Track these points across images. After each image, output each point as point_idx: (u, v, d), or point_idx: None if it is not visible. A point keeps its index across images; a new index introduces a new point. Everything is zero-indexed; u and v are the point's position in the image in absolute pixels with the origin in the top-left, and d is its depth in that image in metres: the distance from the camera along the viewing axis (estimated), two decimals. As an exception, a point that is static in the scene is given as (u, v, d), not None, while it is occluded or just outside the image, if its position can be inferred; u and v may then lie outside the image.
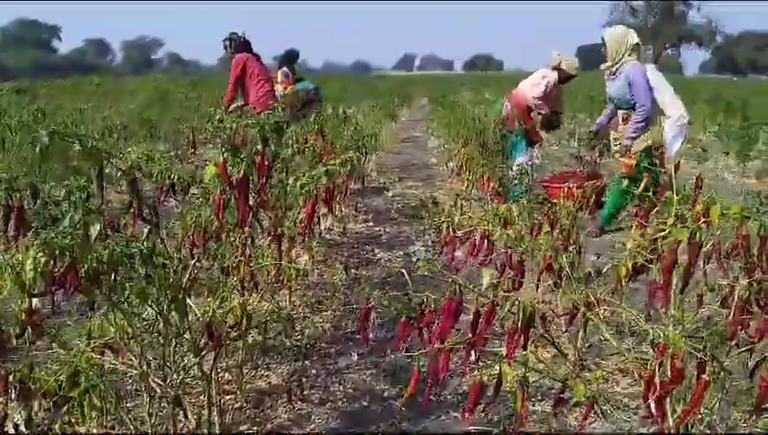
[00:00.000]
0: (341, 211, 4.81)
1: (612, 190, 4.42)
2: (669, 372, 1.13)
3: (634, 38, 4.16)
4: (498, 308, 1.47)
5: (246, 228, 1.92)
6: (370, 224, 5.16)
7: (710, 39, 45.58)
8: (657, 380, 1.15)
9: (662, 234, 1.35)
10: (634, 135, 4.15)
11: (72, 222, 1.31)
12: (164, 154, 6.84)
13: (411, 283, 2.33)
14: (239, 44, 5.11)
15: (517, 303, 1.37)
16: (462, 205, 5.23)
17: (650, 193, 2.08)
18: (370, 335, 2.07)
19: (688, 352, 1.12)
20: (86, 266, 1.33)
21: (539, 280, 2.01)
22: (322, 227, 4.28)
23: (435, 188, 6.79)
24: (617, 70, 4.21)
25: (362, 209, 5.58)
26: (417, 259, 4.14)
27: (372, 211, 5.65)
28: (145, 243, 1.54)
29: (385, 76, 36.89)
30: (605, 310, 1.97)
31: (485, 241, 1.95)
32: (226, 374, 2.29)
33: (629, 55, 4.15)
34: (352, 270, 3.87)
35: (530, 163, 5.16)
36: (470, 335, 1.45)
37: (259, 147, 1.68)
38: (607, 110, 4.52)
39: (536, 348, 2.06)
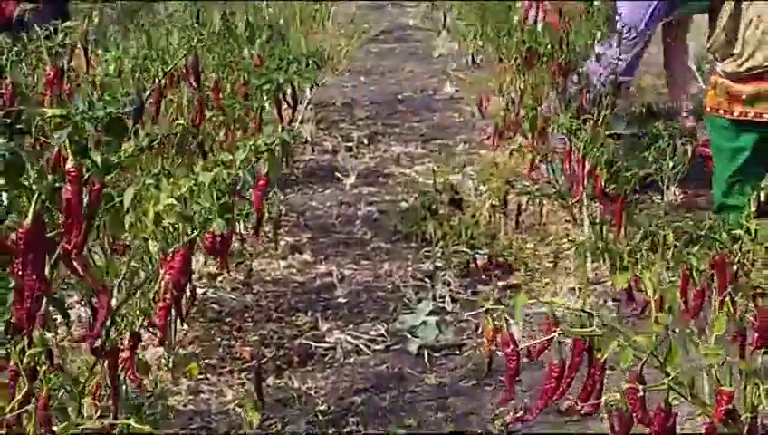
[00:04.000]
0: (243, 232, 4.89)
1: None
2: None
3: None
4: None
5: (36, 332, 1.99)
6: (306, 258, 5.32)
7: None
8: None
9: None
10: None
11: None
12: None
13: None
14: None
15: None
16: (523, 209, 5.42)
17: None
18: None
19: None
20: None
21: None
22: (196, 276, 4.36)
23: (455, 157, 6.93)
24: None
25: (288, 222, 5.75)
26: (422, 348, 4.25)
27: (311, 224, 5.83)
28: None
29: None
30: None
31: (590, 359, 2.01)
32: None
33: None
34: (271, 379, 3.99)
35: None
36: None
37: (69, 162, 1.74)
38: None
39: None
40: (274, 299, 4.80)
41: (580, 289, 4.65)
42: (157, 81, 3.02)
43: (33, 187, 1.82)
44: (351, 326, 4.52)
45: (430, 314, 4.53)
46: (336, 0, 9.84)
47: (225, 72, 4.06)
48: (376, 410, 3.82)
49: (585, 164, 4.27)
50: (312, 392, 3.94)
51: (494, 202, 5.48)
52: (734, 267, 2.72)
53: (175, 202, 2.39)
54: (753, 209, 3.01)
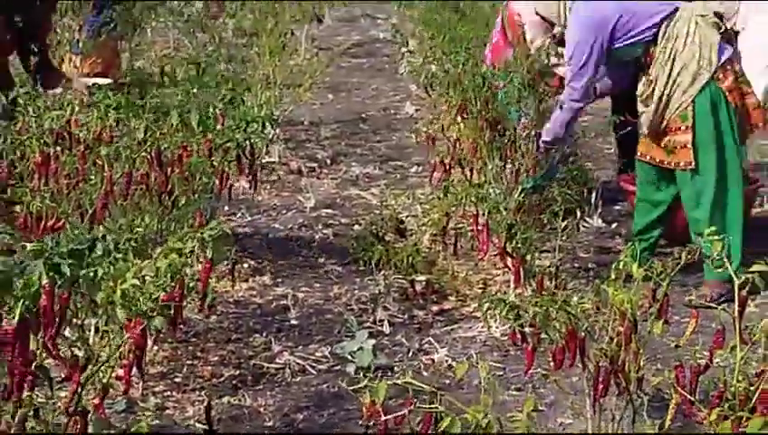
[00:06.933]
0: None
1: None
2: None
3: None
4: None
5: (26, 394, 2.54)
6: (266, 280, 5.79)
7: None
8: None
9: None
10: None
11: None
12: None
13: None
14: None
15: None
16: (460, 236, 5.87)
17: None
18: None
19: None
20: None
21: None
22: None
23: (407, 179, 7.41)
24: None
25: (251, 243, 6.23)
26: (358, 371, 4.65)
27: (273, 246, 6.30)
28: None
29: None
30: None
31: (435, 427, 2.58)
32: None
33: None
34: (227, 398, 4.44)
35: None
36: None
37: (44, 280, 2.29)
38: None
39: None
40: (235, 320, 5.20)
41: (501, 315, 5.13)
42: (128, 166, 3.60)
43: (19, 293, 2.38)
44: (300, 348, 4.92)
45: (369, 337, 4.88)
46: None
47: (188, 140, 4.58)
48: (314, 425, 4.25)
49: (488, 226, 4.76)
50: (262, 410, 4.35)
51: (434, 232, 5.86)
52: (583, 335, 3.32)
53: (138, 283, 2.95)
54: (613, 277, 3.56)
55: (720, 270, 3.94)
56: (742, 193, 5.37)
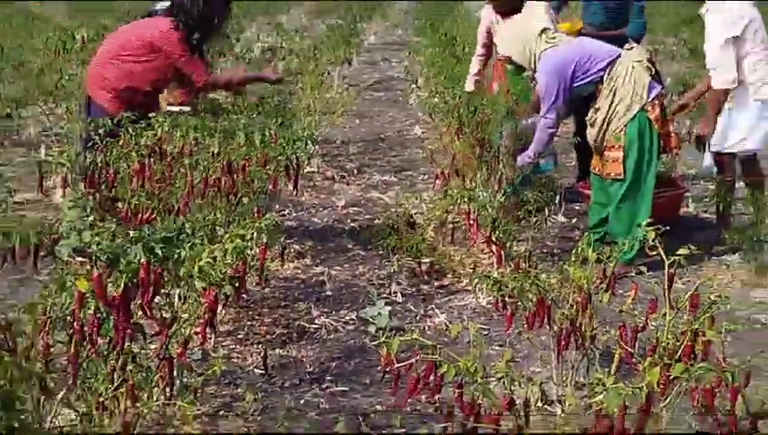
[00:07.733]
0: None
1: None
2: None
3: None
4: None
5: (126, 344, 2.61)
6: (307, 261, 5.84)
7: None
8: None
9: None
10: None
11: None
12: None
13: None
14: None
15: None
16: (456, 227, 5.96)
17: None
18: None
19: None
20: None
21: None
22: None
23: (416, 184, 7.48)
24: None
25: (296, 233, 6.28)
26: (378, 331, 4.72)
27: (312, 235, 6.35)
28: None
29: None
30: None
31: (435, 373, 2.64)
32: None
33: None
34: (278, 350, 4.52)
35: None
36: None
37: (142, 259, 2.37)
38: None
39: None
40: (284, 291, 5.28)
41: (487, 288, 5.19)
42: (204, 173, 3.72)
43: (123, 269, 2.45)
44: (333, 313, 5.00)
45: (385, 305, 5.00)
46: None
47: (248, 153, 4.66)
48: (344, 371, 4.35)
49: (478, 221, 4.84)
50: (304, 359, 4.44)
51: (436, 225, 5.94)
52: (549, 303, 3.36)
53: (211, 261, 3.00)
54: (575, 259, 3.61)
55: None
56: (652, 198, 5.39)
